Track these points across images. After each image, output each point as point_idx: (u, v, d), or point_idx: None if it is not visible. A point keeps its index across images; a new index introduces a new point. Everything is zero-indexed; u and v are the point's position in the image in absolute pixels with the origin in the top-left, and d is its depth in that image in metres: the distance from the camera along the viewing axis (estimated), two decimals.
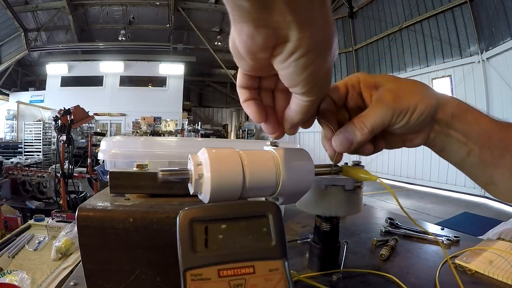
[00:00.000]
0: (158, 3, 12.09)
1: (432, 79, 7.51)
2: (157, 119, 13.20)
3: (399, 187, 7.68)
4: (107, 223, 0.39)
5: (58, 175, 3.79)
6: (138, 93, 13.72)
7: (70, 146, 3.93)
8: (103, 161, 0.69)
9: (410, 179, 7.93)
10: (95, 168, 3.82)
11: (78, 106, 4.76)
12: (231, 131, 15.88)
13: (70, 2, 11.61)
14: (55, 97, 12.51)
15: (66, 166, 3.78)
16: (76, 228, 0.41)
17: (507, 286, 0.55)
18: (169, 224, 0.39)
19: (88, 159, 4.30)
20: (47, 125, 10.33)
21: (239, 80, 0.31)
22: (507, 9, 5.55)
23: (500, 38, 5.79)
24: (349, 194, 0.54)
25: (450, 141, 0.36)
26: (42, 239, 1.92)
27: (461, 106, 0.36)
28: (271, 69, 0.26)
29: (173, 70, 13.65)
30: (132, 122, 13.08)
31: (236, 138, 13.52)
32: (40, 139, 9.93)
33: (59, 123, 3.97)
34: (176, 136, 11.21)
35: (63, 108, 4.25)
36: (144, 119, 12.93)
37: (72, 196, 3.91)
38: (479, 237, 0.89)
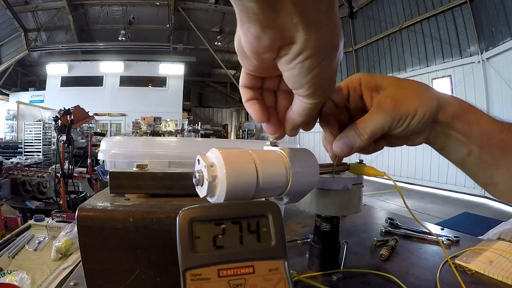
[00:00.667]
0: (158, 3, 12.09)
1: (432, 79, 7.51)
2: (157, 119, 13.20)
3: (400, 187, 7.67)
4: (107, 223, 0.39)
5: (58, 175, 3.79)
6: (138, 93, 13.71)
7: (70, 146, 3.93)
8: (103, 161, 0.69)
9: (410, 179, 7.93)
10: (95, 168, 3.82)
11: (78, 106, 4.77)
12: (231, 131, 15.87)
13: (70, 2, 11.61)
14: (55, 97, 12.50)
15: (66, 166, 3.78)
16: (76, 228, 0.41)
17: (507, 286, 0.55)
18: (169, 224, 0.39)
19: (88, 159, 4.30)
20: (47, 125, 10.33)
21: (242, 79, 0.31)
22: (507, 9, 5.56)
23: (500, 38, 5.79)
24: (349, 194, 0.54)
25: (450, 141, 0.37)
26: (42, 239, 1.92)
27: (463, 106, 0.36)
28: (275, 70, 0.26)
29: (173, 70, 13.65)
30: (132, 122, 13.08)
31: (236, 138, 13.52)
32: (40, 139, 9.93)
33: (59, 123, 3.98)
34: (176, 136, 11.21)
35: (63, 108, 4.25)
36: (144, 119, 12.93)
37: (72, 196, 3.91)
38: (479, 237, 0.89)
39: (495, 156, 0.36)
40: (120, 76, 13.63)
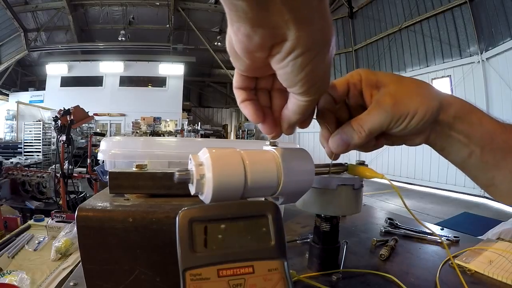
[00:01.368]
0: (158, 3, 12.09)
1: (432, 79, 7.51)
2: (157, 119, 13.20)
3: (399, 187, 7.66)
4: (106, 223, 0.39)
5: (58, 175, 3.79)
6: (138, 93, 13.71)
7: (70, 146, 3.93)
8: (103, 161, 0.69)
9: (410, 179, 7.94)
10: (95, 168, 3.82)
11: (78, 106, 4.77)
12: (231, 131, 15.88)
13: (70, 2, 11.61)
14: (55, 97, 12.50)
15: (66, 166, 3.78)
16: (75, 228, 0.41)
17: (507, 286, 0.55)
18: (168, 224, 0.39)
19: (88, 159, 4.30)
20: (46, 125, 10.33)
21: (236, 81, 0.31)
22: (507, 9, 5.56)
23: (499, 38, 5.79)
24: (349, 194, 0.54)
25: (451, 141, 0.36)
26: (41, 239, 1.92)
27: (465, 107, 0.36)
28: (268, 69, 0.26)
29: (173, 70, 13.65)
30: (132, 122, 13.08)
31: (236, 138, 13.52)
32: (39, 139, 9.93)
33: (59, 123, 3.97)
34: (175, 136, 11.21)
35: (63, 108, 4.25)
36: (144, 119, 12.93)
37: (72, 196, 3.91)
38: (479, 237, 0.89)
39: (496, 157, 0.35)
40: (120, 76, 13.63)
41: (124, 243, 0.40)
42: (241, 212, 0.29)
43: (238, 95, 0.31)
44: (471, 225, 4.29)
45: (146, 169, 0.47)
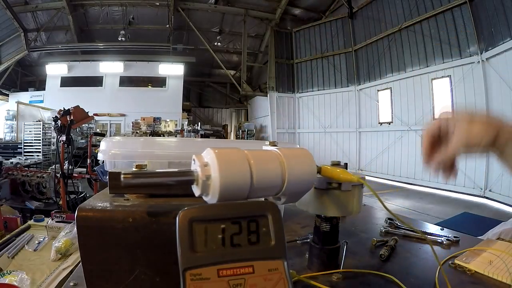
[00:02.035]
0: (158, 3, 12.08)
1: (432, 79, 7.51)
2: (156, 120, 13.20)
3: (399, 187, 7.69)
4: (106, 223, 0.39)
5: (58, 175, 3.78)
6: (138, 94, 13.71)
7: (70, 146, 3.93)
8: (103, 162, 0.68)
9: (410, 179, 7.93)
10: (95, 168, 3.82)
11: (77, 106, 4.77)
12: (231, 131, 15.88)
13: (70, 2, 11.61)
14: (55, 98, 12.51)
15: (65, 166, 3.78)
16: (75, 228, 0.41)
17: (507, 286, 0.55)
18: (168, 224, 0.39)
19: (88, 160, 4.30)
20: (46, 126, 10.33)
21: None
22: (507, 9, 5.56)
23: (499, 38, 5.79)
24: (349, 194, 0.54)
25: (503, 158, 0.50)
26: (41, 239, 1.92)
27: None
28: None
29: (172, 70, 13.65)
30: (132, 123, 13.08)
31: (236, 139, 13.52)
32: (39, 140, 9.93)
33: (59, 124, 3.97)
34: (175, 136, 11.21)
35: (62, 109, 4.25)
36: (143, 119, 12.93)
37: (72, 196, 3.91)
38: (479, 237, 0.89)
39: None
40: (120, 76, 13.63)
41: (124, 243, 0.40)
42: (241, 212, 0.29)
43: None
44: (471, 225, 4.29)
45: (146, 169, 0.47)
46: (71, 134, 4.00)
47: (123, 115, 13.33)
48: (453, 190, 6.65)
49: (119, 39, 12.73)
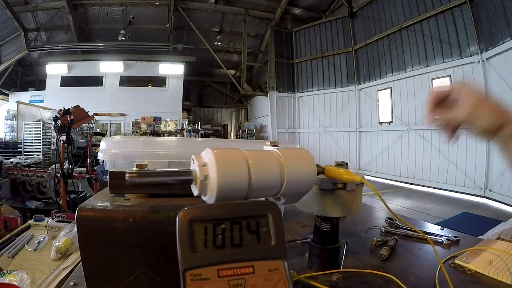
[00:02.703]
0: (158, 3, 12.08)
1: (432, 79, 7.51)
2: (157, 119, 13.20)
3: (399, 187, 7.68)
4: (106, 223, 0.39)
5: (58, 175, 3.78)
6: (138, 93, 13.71)
7: (70, 146, 3.93)
8: (103, 161, 0.69)
9: (410, 179, 7.93)
10: (95, 168, 3.82)
11: (78, 106, 4.77)
12: (231, 131, 15.88)
13: (70, 2, 11.60)
14: (55, 97, 12.50)
15: (66, 166, 3.78)
16: (76, 228, 0.41)
17: (507, 286, 0.55)
18: (168, 224, 0.39)
19: (88, 159, 4.30)
20: (46, 125, 10.33)
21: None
22: (507, 9, 5.55)
23: (499, 38, 5.78)
24: (349, 194, 0.54)
25: (505, 151, 0.50)
26: (41, 239, 1.92)
27: None
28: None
29: (173, 70, 13.65)
30: (132, 122, 13.08)
31: (236, 138, 13.52)
32: (39, 139, 9.93)
33: (59, 123, 3.97)
34: (176, 136, 11.21)
35: (63, 108, 4.25)
36: (144, 119, 12.93)
37: (72, 196, 3.91)
38: (479, 237, 0.89)
39: None
40: (120, 76, 13.63)
41: (124, 243, 0.40)
42: (241, 212, 0.29)
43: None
44: (471, 225, 4.29)
45: (146, 169, 0.47)
46: (71, 134, 4.00)
47: (123, 114, 13.32)
48: (453, 190, 6.65)
49: (119, 38, 12.72)
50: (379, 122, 9.31)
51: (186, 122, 13.14)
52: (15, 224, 2.46)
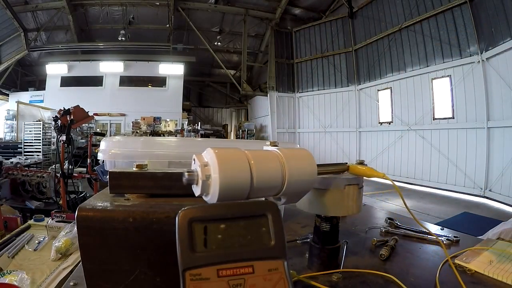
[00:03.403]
0: (158, 3, 12.08)
1: (432, 79, 7.51)
2: (157, 119, 13.20)
3: (399, 187, 7.66)
4: (106, 223, 0.39)
5: (58, 175, 3.78)
6: (138, 93, 13.71)
7: (70, 146, 3.93)
8: (103, 161, 0.69)
9: (410, 179, 7.93)
10: (95, 168, 3.82)
11: (78, 106, 4.77)
12: (231, 131, 15.88)
13: (70, 2, 11.60)
14: (55, 97, 12.50)
15: (66, 166, 3.78)
16: (76, 228, 0.41)
17: (507, 286, 0.55)
18: (168, 224, 0.39)
19: (88, 159, 4.30)
20: (46, 125, 10.33)
21: None
22: (507, 9, 5.55)
23: (500, 38, 5.79)
24: (349, 194, 0.54)
25: None
26: (42, 239, 1.92)
27: None
28: None
29: (173, 70, 13.65)
30: (132, 122, 13.08)
31: (236, 138, 13.52)
32: (39, 139, 9.93)
33: (59, 123, 3.97)
34: (176, 136, 11.21)
35: (63, 108, 4.25)
36: (144, 119, 12.93)
37: (72, 196, 3.91)
38: (479, 237, 0.89)
39: None
40: (120, 76, 13.63)
41: (124, 243, 0.40)
42: (241, 212, 0.29)
43: None
44: (471, 225, 4.29)
45: (146, 169, 0.47)
46: (71, 134, 3.99)
47: (123, 114, 13.32)
48: (453, 190, 6.65)
49: (119, 38, 12.72)
50: (379, 122, 9.31)
51: (186, 122, 13.14)
52: (15, 224, 2.46)
